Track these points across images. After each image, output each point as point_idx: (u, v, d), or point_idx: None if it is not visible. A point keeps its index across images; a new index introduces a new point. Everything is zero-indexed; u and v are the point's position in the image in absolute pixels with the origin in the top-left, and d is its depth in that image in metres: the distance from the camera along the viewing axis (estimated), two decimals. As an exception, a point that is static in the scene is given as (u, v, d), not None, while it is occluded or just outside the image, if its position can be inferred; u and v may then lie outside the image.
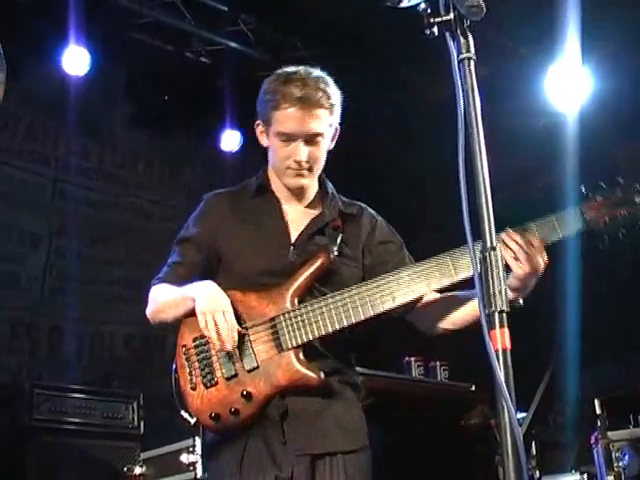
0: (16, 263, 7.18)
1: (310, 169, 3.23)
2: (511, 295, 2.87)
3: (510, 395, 1.99)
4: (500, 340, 2.02)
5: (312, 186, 3.34)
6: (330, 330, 3.07)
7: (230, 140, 7.96)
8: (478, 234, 2.11)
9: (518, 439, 1.94)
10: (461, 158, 2.11)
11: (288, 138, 3.18)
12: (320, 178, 3.37)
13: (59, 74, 7.04)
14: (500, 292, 2.05)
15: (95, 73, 7.13)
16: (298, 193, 3.32)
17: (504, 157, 5.98)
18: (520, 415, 3.99)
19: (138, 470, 5.53)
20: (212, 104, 7.79)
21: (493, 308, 2.03)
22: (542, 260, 2.90)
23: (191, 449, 5.05)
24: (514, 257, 2.87)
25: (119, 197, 7.97)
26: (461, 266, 3.00)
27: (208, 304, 3.09)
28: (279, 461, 3.06)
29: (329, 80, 3.24)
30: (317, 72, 3.24)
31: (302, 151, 3.18)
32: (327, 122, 3.20)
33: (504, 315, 2.04)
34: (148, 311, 3.33)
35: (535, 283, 2.93)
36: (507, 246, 2.86)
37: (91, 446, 6.03)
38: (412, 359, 5.98)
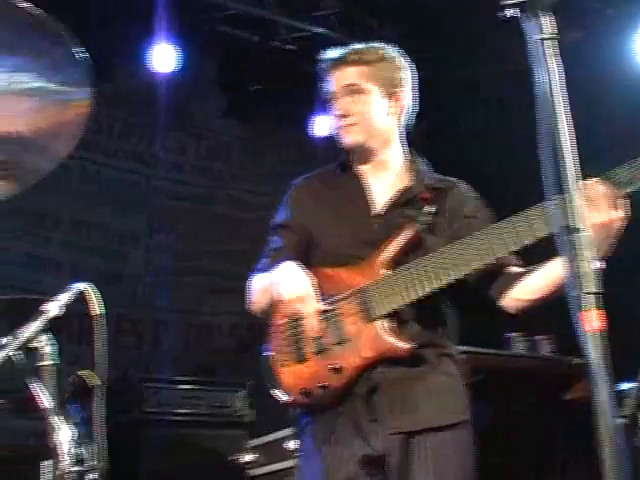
0: (118, 260, 7.33)
1: (355, 124, 3.27)
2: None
3: (607, 376, 1.95)
4: (592, 321, 1.98)
5: (394, 157, 3.37)
6: (416, 296, 3.05)
7: (321, 125, 7.99)
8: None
9: (612, 427, 1.90)
10: (545, 144, 2.06)
11: (331, 97, 3.30)
12: (411, 152, 3.41)
13: (149, 72, 7.15)
14: (588, 272, 2.01)
15: (184, 68, 7.22)
16: (377, 165, 3.34)
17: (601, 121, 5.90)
18: (628, 385, 3.91)
19: (246, 457, 5.59)
20: (301, 90, 7.80)
21: (582, 289, 2.00)
22: (616, 213, 2.78)
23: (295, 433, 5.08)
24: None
25: (214, 189, 8.05)
26: (539, 226, 2.90)
27: (286, 288, 3.13)
28: (369, 439, 3.05)
29: (381, 46, 3.35)
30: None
31: (340, 103, 3.27)
32: (365, 76, 3.28)
33: (594, 296, 1.99)
34: (248, 302, 3.39)
35: (615, 238, 2.80)
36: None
37: (200, 436, 6.11)
38: (515, 334, 5.92)
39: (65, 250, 7.08)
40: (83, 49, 2.54)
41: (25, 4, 2.50)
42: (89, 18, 6.60)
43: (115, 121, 7.50)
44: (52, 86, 2.58)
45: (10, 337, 3.13)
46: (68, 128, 2.64)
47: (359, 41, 3.40)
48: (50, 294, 3.52)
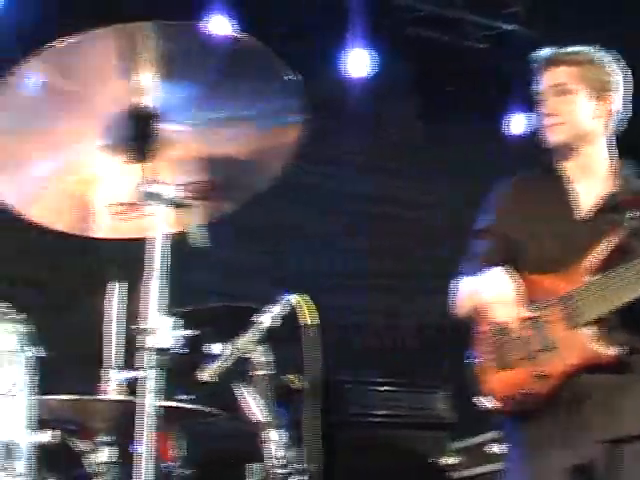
0: (314, 264, 7.42)
1: (562, 124, 3.27)
2: None
3: None
4: None
5: (599, 160, 3.33)
6: (624, 302, 3.00)
7: (517, 123, 7.92)
8: None
9: None
10: None
11: (540, 96, 3.33)
12: (618, 156, 3.36)
13: (343, 77, 7.26)
14: None
15: (378, 72, 7.28)
16: (581, 168, 3.31)
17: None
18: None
19: (448, 460, 5.59)
20: (494, 89, 7.74)
21: None
22: None
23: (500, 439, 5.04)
24: None
25: (405, 192, 8.05)
26: None
27: (491, 295, 3.13)
28: (576, 447, 3.02)
29: (592, 49, 3.35)
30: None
31: (549, 102, 3.30)
32: (574, 77, 3.27)
33: None
34: (453, 306, 3.42)
35: None
36: None
37: (401, 437, 6.12)
38: None
39: (264, 255, 7.23)
40: (294, 72, 2.62)
41: (235, 33, 2.60)
42: (285, 24, 6.75)
43: (310, 125, 7.60)
44: (265, 112, 2.68)
45: (225, 346, 3.25)
46: (280, 150, 2.75)
47: (551, 38, 3.42)
48: (252, 300, 3.64)
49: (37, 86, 2.57)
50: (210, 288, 6.25)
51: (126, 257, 3.06)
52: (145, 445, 2.35)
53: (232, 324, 3.57)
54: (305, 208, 7.40)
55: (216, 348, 3.37)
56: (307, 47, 6.86)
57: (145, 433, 2.36)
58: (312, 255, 7.41)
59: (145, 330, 2.34)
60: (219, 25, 6.28)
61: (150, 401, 2.36)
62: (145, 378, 2.36)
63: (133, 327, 2.39)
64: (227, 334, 3.45)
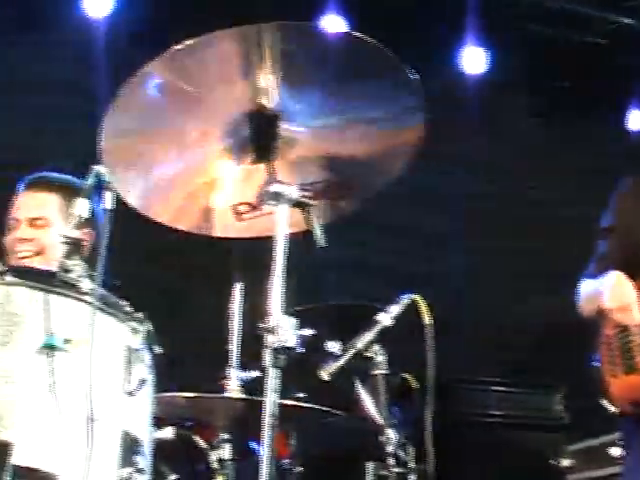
0: (429, 263, 7.40)
1: None
2: None
3: None
4: None
5: None
6: None
7: (636, 120, 7.77)
8: None
9: None
10: None
11: None
12: None
13: (457, 74, 7.23)
14: None
15: (492, 69, 7.23)
16: None
17: None
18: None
19: (565, 462, 5.51)
20: (611, 85, 7.60)
21: None
22: None
23: (621, 442, 4.94)
24: None
25: (517, 189, 7.95)
26: None
27: (611, 300, 3.10)
28: None
29: None
30: None
31: None
32: None
33: None
34: (578, 306, 3.39)
35: None
36: None
37: (514, 438, 6.06)
38: None
39: (383, 254, 7.24)
40: (415, 72, 2.62)
41: (353, 32, 2.61)
42: (402, 21, 6.74)
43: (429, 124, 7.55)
44: (387, 113, 2.68)
45: (344, 345, 3.26)
46: (401, 150, 2.74)
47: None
48: (371, 300, 3.64)
49: (159, 88, 2.62)
50: (330, 287, 6.28)
51: (249, 257, 3.09)
52: (266, 443, 2.37)
53: (346, 322, 3.58)
54: (424, 207, 7.38)
55: (332, 346, 3.38)
56: (424, 43, 6.85)
57: (267, 432, 2.38)
58: (430, 255, 7.39)
59: (270, 329, 2.36)
60: (333, 24, 6.31)
61: (273, 400, 2.38)
62: (268, 377, 2.38)
63: (258, 326, 2.41)
64: (341, 332, 3.46)
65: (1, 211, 3.73)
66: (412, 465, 3.41)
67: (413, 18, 6.96)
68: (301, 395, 3.54)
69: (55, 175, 3.71)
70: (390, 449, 3.31)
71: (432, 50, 7.03)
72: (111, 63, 6.35)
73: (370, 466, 3.60)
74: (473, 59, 7.13)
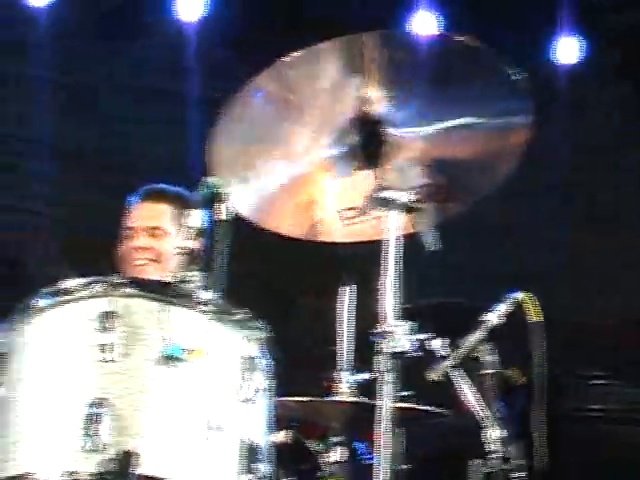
0: (518, 261, 7.34)
1: None
2: None
3: None
4: None
5: None
6: None
7: None
8: None
9: None
10: None
11: None
12: None
13: (549, 64, 7.16)
14: None
15: (586, 59, 7.14)
16: None
17: None
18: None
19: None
20: None
21: None
22: None
23: None
24: None
25: (622, 181, 7.80)
26: None
27: None
28: None
29: None
30: None
31: None
32: None
33: None
34: None
35: None
36: None
37: (619, 433, 5.98)
38: None
39: (489, 254, 7.19)
40: (520, 72, 2.61)
41: (460, 37, 2.61)
42: (495, 11, 6.70)
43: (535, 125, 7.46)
44: (493, 115, 2.68)
45: (450, 344, 3.26)
46: (507, 152, 2.73)
47: None
48: (478, 299, 3.63)
49: (267, 100, 2.65)
50: (437, 288, 6.26)
51: (358, 260, 3.10)
52: (383, 449, 2.39)
53: (449, 321, 3.57)
54: (527, 206, 7.30)
55: (436, 345, 3.37)
56: (519, 35, 6.78)
57: (382, 435, 2.40)
58: (535, 253, 7.31)
59: (384, 333, 2.38)
60: (424, 22, 6.28)
61: (388, 404, 2.40)
62: (383, 382, 2.40)
63: (371, 331, 2.42)
64: (444, 331, 3.45)
65: (114, 221, 3.86)
66: (518, 461, 3.38)
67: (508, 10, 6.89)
68: (405, 393, 3.54)
69: (169, 187, 3.85)
70: (495, 446, 3.30)
71: (526, 41, 6.96)
72: (204, 66, 6.44)
73: (476, 463, 3.57)
74: (568, 49, 7.07)
